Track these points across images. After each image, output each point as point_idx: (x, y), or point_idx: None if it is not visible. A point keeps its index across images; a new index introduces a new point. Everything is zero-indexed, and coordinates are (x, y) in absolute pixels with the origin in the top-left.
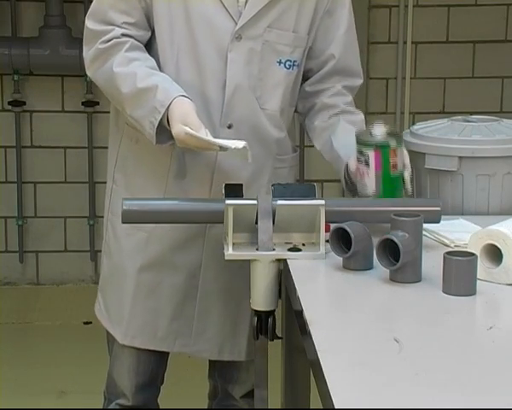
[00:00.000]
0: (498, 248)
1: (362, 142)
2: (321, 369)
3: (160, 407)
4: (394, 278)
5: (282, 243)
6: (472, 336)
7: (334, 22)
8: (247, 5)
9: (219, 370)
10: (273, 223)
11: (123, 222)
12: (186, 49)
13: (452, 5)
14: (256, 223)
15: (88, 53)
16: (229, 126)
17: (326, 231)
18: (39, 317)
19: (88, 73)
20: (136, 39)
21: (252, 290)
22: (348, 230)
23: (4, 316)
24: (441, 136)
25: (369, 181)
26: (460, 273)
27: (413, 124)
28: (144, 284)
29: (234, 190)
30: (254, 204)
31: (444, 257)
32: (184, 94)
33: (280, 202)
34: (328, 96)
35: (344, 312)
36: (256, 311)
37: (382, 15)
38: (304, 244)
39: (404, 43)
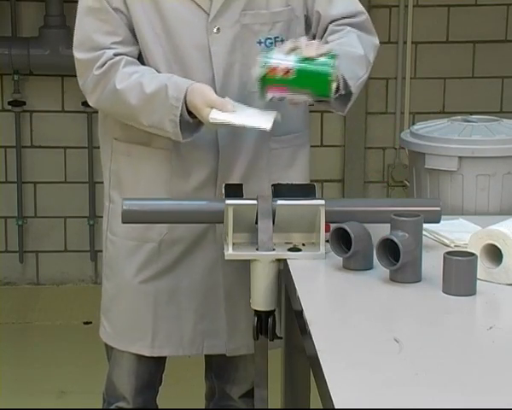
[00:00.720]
0: (498, 248)
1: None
2: (321, 369)
3: (159, 408)
4: (394, 278)
5: (282, 243)
6: (472, 336)
7: None
8: (213, 0)
9: (216, 371)
10: (273, 223)
11: (123, 222)
12: (171, 53)
13: (452, 5)
14: (256, 223)
15: (85, 84)
16: None
17: (326, 231)
18: (39, 317)
19: (90, 102)
20: (128, 55)
21: (252, 290)
22: (348, 230)
23: (4, 316)
24: (441, 136)
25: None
26: (460, 273)
27: (413, 124)
28: (162, 292)
29: (234, 190)
30: (254, 204)
31: (444, 257)
32: (194, 82)
33: (280, 202)
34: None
35: (344, 312)
36: (256, 311)
37: (382, 15)
38: (304, 244)
39: (404, 43)
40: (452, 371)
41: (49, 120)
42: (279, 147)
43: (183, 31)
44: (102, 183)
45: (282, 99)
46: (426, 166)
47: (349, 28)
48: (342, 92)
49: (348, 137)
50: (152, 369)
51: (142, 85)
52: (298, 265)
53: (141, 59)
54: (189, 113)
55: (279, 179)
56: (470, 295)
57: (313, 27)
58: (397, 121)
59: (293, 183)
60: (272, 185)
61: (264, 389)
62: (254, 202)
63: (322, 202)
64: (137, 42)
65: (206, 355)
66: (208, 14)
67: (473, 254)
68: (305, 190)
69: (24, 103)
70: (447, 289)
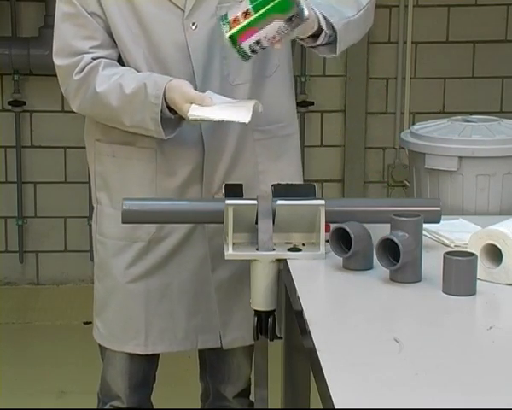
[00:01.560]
0: (498, 248)
1: None
2: (321, 369)
3: (154, 407)
4: (394, 278)
5: (282, 243)
6: (472, 336)
7: None
8: None
9: (210, 370)
10: (273, 223)
11: (123, 222)
12: (150, 52)
13: (452, 5)
14: (256, 223)
15: (67, 90)
16: None
17: (326, 231)
18: (39, 317)
19: (73, 107)
20: (107, 59)
21: (252, 290)
22: (348, 230)
23: (4, 316)
24: (441, 136)
25: None
26: (460, 273)
27: (413, 124)
28: (153, 290)
29: (234, 190)
30: (254, 204)
31: (444, 257)
32: (172, 79)
33: (280, 202)
34: None
35: (344, 312)
36: (256, 311)
37: (382, 15)
38: (304, 244)
39: (404, 43)
40: (452, 371)
41: (49, 120)
42: (263, 137)
43: (160, 30)
44: None
45: (262, 46)
46: (426, 166)
47: None
48: (326, 31)
49: (348, 137)
50: (145, 367)
51: (122, 86)
52: (298, 265)
53: (121, 61)
54: (170, 109)
55: (267, 171)
56: (470, 295)
57: None
58: (397, 121)
59: (293, 183)
60: (272, 185)
61: (264, 389)
62: (254, 202)
63: (322, 202)
64: (116, 44)
65: (199, 356)
66: (183, 11)
67: (473, 254)
68: (305, 190)
69: (24, 103)
70: (447, 289)
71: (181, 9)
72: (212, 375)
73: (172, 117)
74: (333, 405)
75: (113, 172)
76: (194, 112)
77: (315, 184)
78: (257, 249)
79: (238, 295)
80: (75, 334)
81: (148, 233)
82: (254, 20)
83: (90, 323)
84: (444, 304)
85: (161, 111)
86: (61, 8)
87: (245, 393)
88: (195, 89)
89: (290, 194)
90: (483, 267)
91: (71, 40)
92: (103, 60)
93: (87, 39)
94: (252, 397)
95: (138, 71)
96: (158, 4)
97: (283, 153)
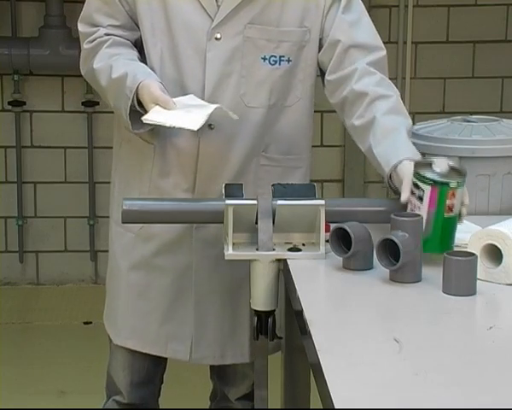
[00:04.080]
0: (498, 248)
1: (419, 175)
2: (321, 369)
3: (161, 407)
4: (394, 278)
5: (282, 243)
6: (472, 336)
7: (336, 9)
8: (223, 3)
9: (217, 372)
10: (273, 223)
11: (123, 222)
12: (168, 49)
13: (452, 5)
14: (256, 223)
15: (81, 55)
16: (211, 127)
17: (326, 231)
18: (39, 317)
19: (82, 72)
20: (122, 38)
21: (252, 290)
22: (348, 230)
23: (4, 316)
24: (441, 136)
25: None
26: (460, 273)
27: (413, 124)
28: (134, 285)
29: (234, 190)
30: (254, 204)
31: (444, 257)
32: (151, 76)
33: (280, 202)
34: (354, 81)
35: (344, 312)
36: (256, 311)
37: (382, 15)
38: (304, 244)
39: (404, 43)
40: (452, 371)
41: (49, 120)
42: (268, 164)
43: (184, 31)
44: (102, 183)
45: None
46: None
47: (381, 79)
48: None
49: (348, 137)
50: (149, 366)
51: (112, 69)
52: (298, 265)
53: (141, 47)
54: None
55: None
56: (470, 295)
57: (326, 52)
58: None
59: (293, 183)
60: (272, 185)
61: (264, 389)
62: (254, 202)
63: (322, 202)
64: (138, 28)
65: None
66: (212, 20)
67: (473, 254)
68: (305, 190)
69: (24, 103)
70: (447, 289)
71: (210, 18)
72: (219, 376)
73: (142, 113)
74: (333, 405)
75: (123, 160)
76: (149, 116)
77: (315, 184)
78: (257, 249)
79: (215, 314)
80: (75, 334)
81: (136, 226)
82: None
83: (90, 323)
84: (444, 304)
85: (134, 105)
86: None
87: (247, 397)
88: (203, 99)
89: (290, 194)
90: (483, 267)
91: (93, 12)
92: (114, 37)
93: (108, 16)
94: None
95: (151, 66)
96: (190, 5)
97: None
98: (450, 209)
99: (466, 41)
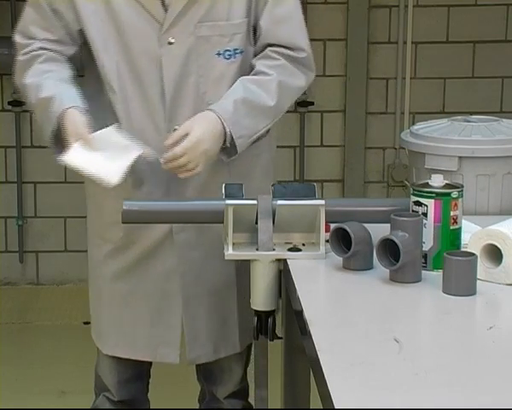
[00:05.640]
0: (498, 248)
1: (420, 192)
2: (321, 369)
3: (151, 403)
4: (394, 278)
5: (282, 243)
6: (472, 336)
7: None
8: (169, 7)
9: (203, 372)
10: (273, 223)
11: (123, 222)
12: (123, 60)
13: (452, 5)
14: (256, 223)
15: (15, 65)
16: (175, 130)
17: (326, 231)
18: (39, 317)
19: (16, 83)
20: (57, 52)
21: (252, 290)
22: (348, 230)
23: (4, 316)
24: (441, 136)
25: (426, 235)
26: (460, 273)
27: (413, 124)
28: (117, 294)
29: (234, 190)
30: (254, 204)
31: (444, 257)
32: (78, 105)
33: (280, 202)
34: (254, 59)
35: (344, 312)
36: (256, 311)
37: (382, 15)
38: (304, 244)
39: (404, 43)
40: (452, 371)
41: None
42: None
43: (136, 40)
44: None
45: None
46: (426, 166)
47: (280, 64)
48: (227, 145)
49: (348, 137)
50: (135, 364)
51: (41, 88)
52: (298, 265)
53: (89, 61)
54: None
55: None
56: (470, 295)
57: (254, 41)
58: (397, 121)
59: (293, 183)
60: (272, 185)
61: (264, 389)
62: (254, 202)
63: (322, 202)
64: (76, 43)
65: None
66: (162, 25)
67: (473, 254)
68: (305, 190)
69: (24, 103)
70: (447, 289)
71: (160, 23)
72: (205, 376)
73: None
74: (333, 405)
75: None
76: (69, 157)
77: (315, 184)
78: (257, 249)
79: (205, 314)
80: (75, 334)
81: (116, 236)
82: None
83: (90, 323)
84: (444, 304)
85: (57, 130)
86: None
87: (236, 395)
88: (164, 104)
89: (290, 194)
90: (483, 267)
91: (29, 24)
92: (48, 53)
93: (43, 30)
94: (251, 397)
95: (108, 76)
96: (137, 14)
97: (251, 171)
98: (455, 221)
99: (466, 41)
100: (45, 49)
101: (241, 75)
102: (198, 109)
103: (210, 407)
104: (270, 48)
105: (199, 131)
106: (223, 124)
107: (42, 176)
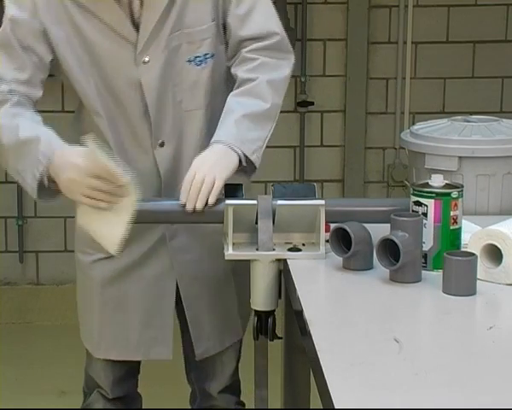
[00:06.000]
0: (498, 248)
1: (420, 192)
2: (321, 369)
3: (143, 398)
4: (394, 278)
5: (282, 243)
6: (472, 336)
7: (229, 1)
8: (140, 27)
9: (194, 370)
10: (273, 223)
11: None
12: (102, 86)
13: (452, 5)
14: (256, 223)
15: None
16: (162, 144)
17: (326, 231)
18: (39, 317)
19: None
20: (25, 96)
21: (252, 290)
22: (348, 230)
23: (4, 316)
24: (441, 136)
25: (426, 235)
26: (460, 273)
27: (413, 124)
28: (109, 298)
29: (234, 190)
30: (254, 204)
31: (444, 257)
32: (65, 144)
33: (280, 202)
34: (233, 66)
35: (344, 312)
36: (256, 311)
37: (382, 15)
38: (304, 244)
39: (404, 43)
40: (452, 371)
41: (49, 120)
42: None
43: (112, 64)
44: None
45: None
46: (426, 166)
47: (261, 63)
48: (245, 165)
49: (348, 137)
50: (129, 361)
51: (19, 129)
52: (298, 265)
53: (70, 88)
54: (50, 179)
55: None
56: (470, 295)
57: (225, 39)
58: (397, 121)
59: (293, 183)
60: (272, 185)
61: (264, 389)
62: (254, 201)
63: (322, 202)
64: (43, 85)
65: (184, 357)
66: (135, 46)
67: (473, 254)
68: (305, 190)
69: None
70: (447, 289)
71: (133, 44)
72: (196, 374)
73: (47, 186)
74: (333, 405)
75: None
76: (81, 221)
77: (315, 184)
78: (257, 249)
79: (207, 310)
80: (75, 334)
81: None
82: None
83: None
84: (444, 304)
85: (42, 173)
86: (0, 35)
87: (229, 390)
88: (150, 122)
89: (290, 194)
90: (483, 267)
91: None
92: (17, 97)
93: (14, 70)
94: (251, 397)
95: (90, 101)
96: (109, 39)
97: None
98: (455, 221)
99: (466, 41)
100: (15, 91)
101: (215, 78)
102: (177, 119)
103: (202, 406)
104: (244, 49)
105: (200, 155)
106: (232, 149)
107: None
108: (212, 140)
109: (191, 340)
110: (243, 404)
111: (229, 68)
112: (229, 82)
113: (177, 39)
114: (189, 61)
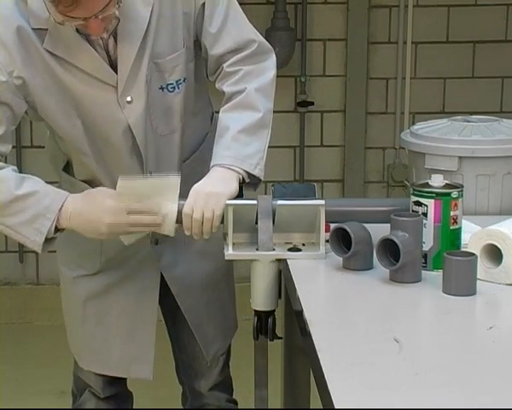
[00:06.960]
0: (498, 248)
1: (420, 192)
2: (321, 369)
3: (134, 396)
4: (394, 278)
5: (282, 243)
6: (472, 336)
7: (201, 19)
8: (118, 68)
9: (183, 369)
10: (273, 223)
11: None
12: (88, 127)
13: (452, 5)
14: (256, 223)
15: None
16: (150, 172)
17: (326, 231)
18: (39, 317)
19: None
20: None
21: (252, 290)
22: (348, 230)
23: (4, 316)
24: (441, 136)
25: (426, 235)
26: (460, 273)
27: (413, 124)
28: (89, 313)
29: None
30: (254, 204)
31: (444, 257)
32: (65, 193)
33: (280, 202)
34: (217, 82)
35: (344, 312)
36: (256, 311)
37: (382, 15)
38: (304, 244)
39: (404, 43)
40: (452, 371)
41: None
42: (193, 165)
43: (96, 109)
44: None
45: None
46: (426, 166)
47: (244, 73)
48: (248, 180)
49: (348, 137)
50: None
51: (10, 184)
52: (298, 265)
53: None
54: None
55: None
56: (470, 295)
57: (206, 60)
58: (397, 121)
59: (293, 183)
60: (272, 185)
61: (265, 389)
62: (254, 201)
63: (322, 202)
64: (13, 138)
65: (174, 357)
66: (116, 88)
67: (473, 254)
68: (305, 190)
69: None
70: (447, 289)
71: (114, 87)
72: (185, 373)
73: (52, 236)
74: (333, 405)
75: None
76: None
77: (315, 184)
78: (257, 249)
79: (207, 315)
80: None
81: (91, 267)
82: None
83: None
84: (444, 304)
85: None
86: None
87: (219, 387)
88: (140, 157)
89: (290, 194)
90: (483, 267)
91: None
92: None
93: None
94: (251, 397)
95: (78, 144)
96: (90, 85)
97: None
98: (455, 221)
99: (466, 41)
100: None
101: (189, 100)
102: (155, 142)
103: (193, 405)
104: (225, 64)
105: (198, 184)
106: (232, 170)
107: (42, 176)
108: (212, 163)
109: (179, 340)
110: (235, 401)
111: (200, 71)
112: (203, 83)
113: (151, 71)
114: (162, 88)
